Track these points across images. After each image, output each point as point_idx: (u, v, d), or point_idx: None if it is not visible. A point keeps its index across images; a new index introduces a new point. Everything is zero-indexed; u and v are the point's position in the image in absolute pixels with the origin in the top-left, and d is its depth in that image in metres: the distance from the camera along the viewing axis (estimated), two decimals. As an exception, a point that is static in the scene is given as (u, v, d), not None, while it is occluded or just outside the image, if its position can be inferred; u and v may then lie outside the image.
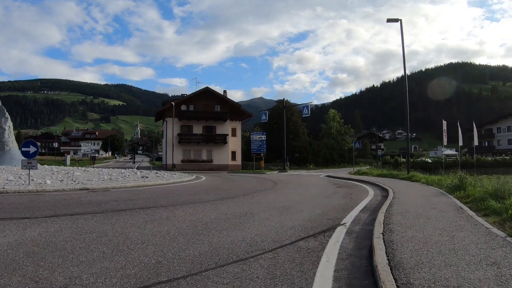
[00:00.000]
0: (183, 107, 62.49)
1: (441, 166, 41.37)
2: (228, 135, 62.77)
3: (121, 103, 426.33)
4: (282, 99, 57.32)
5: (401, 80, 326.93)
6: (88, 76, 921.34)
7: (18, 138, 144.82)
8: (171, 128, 60.92)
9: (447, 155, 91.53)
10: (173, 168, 56.92)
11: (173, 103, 58.73)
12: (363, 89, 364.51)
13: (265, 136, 53.45)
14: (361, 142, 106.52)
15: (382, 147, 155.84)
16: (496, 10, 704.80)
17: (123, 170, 39.01)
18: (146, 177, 26.31)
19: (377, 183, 22.38)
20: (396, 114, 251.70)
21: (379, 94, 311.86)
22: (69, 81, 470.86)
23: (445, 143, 38.93)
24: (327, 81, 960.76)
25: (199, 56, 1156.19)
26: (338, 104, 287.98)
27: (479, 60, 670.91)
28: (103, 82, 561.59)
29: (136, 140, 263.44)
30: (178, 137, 61.19)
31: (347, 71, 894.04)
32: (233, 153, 64.25)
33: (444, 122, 38.47)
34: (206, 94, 63.13)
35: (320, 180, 31.29)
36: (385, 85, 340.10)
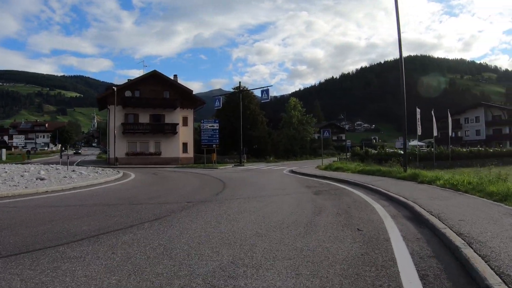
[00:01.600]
0: (128, 93, 54.66)
1: (415, 158, 37.40)
2: (178, 124, 55.19)
3: (78, 94, 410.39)
4: (239, 83, 49.99)
5: (360, 71, 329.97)
6: (44, 68, 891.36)
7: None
8: (113, 117, 53.20)
9: (414, 147, 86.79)
10: (115, 162, 49.31)
11: (114, 88, 50.87)
12: (322, 80, 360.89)
13: (217, 124, 45.92)
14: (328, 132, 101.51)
15: (343, 138, 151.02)
16: (455, 5, 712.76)
17: (44, 167, 32.84)
18: (43, 179, 18.75)
19: (370, 186, 15.07)
20: (355, 105, 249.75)
21: (338, 86, 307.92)
22: (25, 72, 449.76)
23: (419, 132, 34.19)
24: (287, 72, 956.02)
25: (158, 48, 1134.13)
26: (298, 95, 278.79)
27: (437, 54, 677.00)
28: (60, 74, 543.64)
29: (92, 133, 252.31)
30: (122, 127, 53.38)
31: (307, 63, 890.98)
32: (185, 145, 56.70)
33: (418, 110, 34.33)
34: (154, 78, 55.41)
35: (284, 178, 24.01)
36: (344, 77, 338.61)
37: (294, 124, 79.85)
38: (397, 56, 19.94)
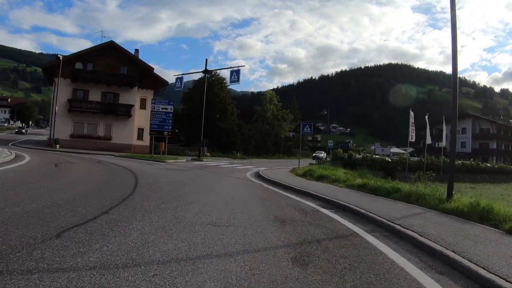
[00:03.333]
0: (78, 65, 46.25)
1: (404, 168, 33.13)
2: (134, 106, 47.15)
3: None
4: (205, 61, 41.67)
5: (340, 75, 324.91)
6: (24, 43, 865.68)
7: None
8: (60, 92, 44.87)
9: (394, 154, 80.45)
10: (53, 145, 41.08)
11: (60, 56, 42.45)
12: (301, 80, 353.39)
13: (172, 107, 37.61)
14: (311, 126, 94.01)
15: (319, 139, 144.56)
16: (439, 19, 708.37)
17: None
18: None
19: (425, 240, 6.59)
20: (332, 108, 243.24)
21: (317, 87, 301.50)
22: (3, 46, 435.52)
23: (412, 139, 30.96)
24: (267, 70, 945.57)
25: (140, 33, 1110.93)
26: (276, 92, 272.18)
27: (418, 64, 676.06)
28: (38, 51, 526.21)
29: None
30: (68, 103, 45.07)
31: (287, 62, 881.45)
32: (141, 131, 48.44)
33: (411, 114, 31.22)
34: (110, 50, 47.15)
35: (242, 189, 15.05)
36: (323, 78, 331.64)
37: (268, 118, 72.37)
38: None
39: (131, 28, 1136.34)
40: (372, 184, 15.12)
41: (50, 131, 45.25)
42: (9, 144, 40.70)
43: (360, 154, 56.85)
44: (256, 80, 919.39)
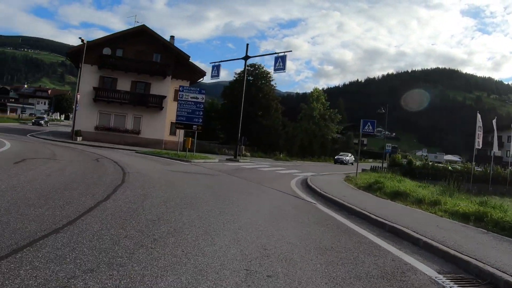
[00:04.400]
0: (106, 51, 41.35)
1: (468, 179, 26.01)
2: (166, 97, 41.85)
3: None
4: (246, 46, 35.74)
5: (387, 78, 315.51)
6: (72, 39, 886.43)
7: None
8: (86, 79, 40.25)
9: (448, 162, 72.70)
10: (73, 137, 36.42)
11: (84, 40, 37.52)
12: (347, 82, 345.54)
13: (203, 97, 30.22)
14: (346, 134, 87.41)
15: (365, 142, 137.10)
16: (488, 23, 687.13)
17: None
18: None
19: None
20: (377, 110, 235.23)
21: (362, 90, 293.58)
22: (52, 41, 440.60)
23: (478, 145, 26.00)
24: (313, 71, 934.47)
25: (187, 31, 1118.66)
26: (307, 99, 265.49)
27: (466, 70, 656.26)
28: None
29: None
30: (94, 92, 40.32)
31: (334, 64, 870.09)
32: (173, 125, 42.86)
33: (479, 117, 26.06)
34: (142, 35, 41.96)
35: (285, 222, 8.09)
36: (369, 81, 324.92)
37: (315, 118, 65.93)
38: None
39: (179, 26, 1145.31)
40: (506, 219, 8.89)
41: (73, 121, 40.38)
42: (28, 135, 37.07)
43: (420, 161, 49.89)
44: (302, 81, 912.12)
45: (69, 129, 55.80)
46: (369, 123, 24.15)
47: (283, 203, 10.90)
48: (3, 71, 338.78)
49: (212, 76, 35.90)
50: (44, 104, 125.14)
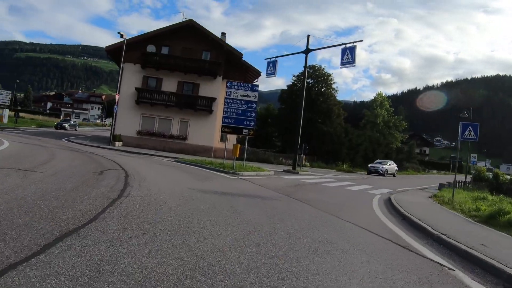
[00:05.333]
0: (150, 48, 37.12)
1: None
2: (216, 100, 36.83)
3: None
4: (307, 37, 29.93)
5: (445, 86, 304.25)
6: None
7: (27, 98, 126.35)
8: (128, 79, 36.27)
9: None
10: (111, 142, 32.33)
11: (122, 35, 33.25)
12: (405, 90, 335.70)
13: (256, 95, 23.59)
14: (409, 143, 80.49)
15: (427, 152, 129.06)
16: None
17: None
18: None
19: None
20: (436, 120, 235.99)
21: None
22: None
23: None
24: (370, 79, 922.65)
25: (244, 40, 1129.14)
26: (370, 105, 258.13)
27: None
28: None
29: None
30: (137, 93, 36.16)
31: (392, 72, 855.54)
32: (223, 130, 38.25)
33: None
34: (189, 31, 37.37)
35: None
36: (428, 89, 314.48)
37: (378, 125, 59.92)
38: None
39: (236, 35, 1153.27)
40: None
41: (113, 125, 36.23)
42: (63, 139, 33.25)
43: (507, 175, 42.69)
44: (359, 89, 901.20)
45: (104, 133, 52.20)
46: (470, 128, 18.27)
47: (394, 274, 5.45)
48: (64, 78, 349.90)
49: (267, 74, 30.53)
50: (98, 109, 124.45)
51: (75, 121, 64.60)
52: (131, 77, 36.33)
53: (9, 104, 55.36)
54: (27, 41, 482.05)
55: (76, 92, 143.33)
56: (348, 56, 25.35)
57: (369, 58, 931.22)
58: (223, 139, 37.48)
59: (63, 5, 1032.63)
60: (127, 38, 34.14)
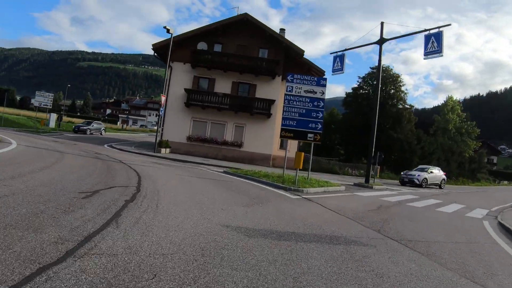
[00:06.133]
0: (202, 46, 33.55)
1: None
2: (275, 102, 32.75)
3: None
4: (380, 24, 24.97)
5: (510, 91, 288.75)
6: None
7: (86, 104, 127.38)
8: (176, 80, 32.91)
9: None
10: (156, 149, 28.93)
11: (169, 30, 29.60)
12: (468, 97, 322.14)
13: (323, 90, 18.37)
14: (478, 152, 73.61)
15: (495, 161, 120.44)
16: None
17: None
18: None
19: None
20: (501, 127, 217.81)
21: (484, 104, 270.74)
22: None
23: None
24: (431, 86, 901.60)
25: (303, 47, 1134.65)
26: (440, 110, 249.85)
27: None
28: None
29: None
30: (186, 95, 32.67)
31: (453, 78, 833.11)
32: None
33: None
34: (244, 26, 33.50)
35: None
36: (491, 95, 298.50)
37: (450, 131, 54.34)
38: None
39: (295, 42, 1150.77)
40: None
41: (160, 129, 32.82)
42: (105, 145, 30.58)
43: None
44: (420, 96, 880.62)
45: (149, 139, 49.22)
46: None
47: None
48: (125, 87, 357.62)
49: (333, 71, 26.02)
50: (155, 115, 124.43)
51: (99, 124, 56.62)
52: (180, 77, 32.98)
53: (51, 107, 52.80)
54: (90, 50, 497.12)
55: (134, 99, 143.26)
56: (434, 44, 20.53)
57: (429, 64, 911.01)
58: (283, 145, 33.61)
59: (123, 15, 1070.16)
60: (175, 35, 30.76)
